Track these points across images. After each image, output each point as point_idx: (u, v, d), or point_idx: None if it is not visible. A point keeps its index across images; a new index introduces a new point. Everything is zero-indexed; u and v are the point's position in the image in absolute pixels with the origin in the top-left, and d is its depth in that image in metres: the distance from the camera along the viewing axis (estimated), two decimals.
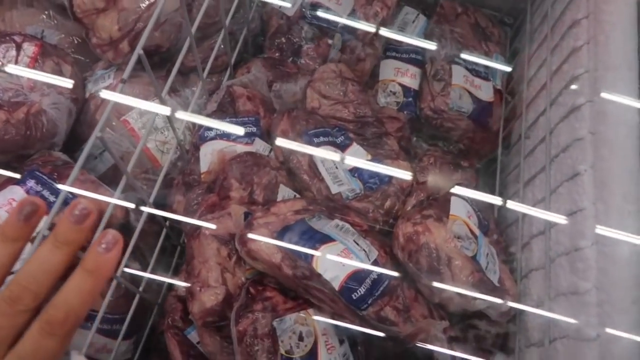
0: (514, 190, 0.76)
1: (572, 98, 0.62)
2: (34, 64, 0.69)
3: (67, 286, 0.31)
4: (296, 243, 0.54)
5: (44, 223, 0.41)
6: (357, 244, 0.57)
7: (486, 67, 0.85)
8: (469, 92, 0.82)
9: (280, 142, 0.67)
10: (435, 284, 0.55)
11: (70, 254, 0.32)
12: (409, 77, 0.86)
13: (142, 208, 0.56)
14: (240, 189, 0.62)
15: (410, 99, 0.84)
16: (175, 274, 0.71)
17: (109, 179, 0.71)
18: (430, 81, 0.83)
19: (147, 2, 0.68)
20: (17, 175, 0.63)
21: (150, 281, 0.64)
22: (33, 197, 0.32)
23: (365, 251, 0.57)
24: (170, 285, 0.66)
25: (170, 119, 0.59)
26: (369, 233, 0.61)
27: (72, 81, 0.70)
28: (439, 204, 0.63)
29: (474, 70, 0.84)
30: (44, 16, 0.79)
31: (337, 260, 0.53)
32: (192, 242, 0.58)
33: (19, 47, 0.69)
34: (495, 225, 0.69)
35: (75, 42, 0.80)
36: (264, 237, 0.54)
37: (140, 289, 0.61)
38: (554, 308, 0.55)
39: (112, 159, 0.65)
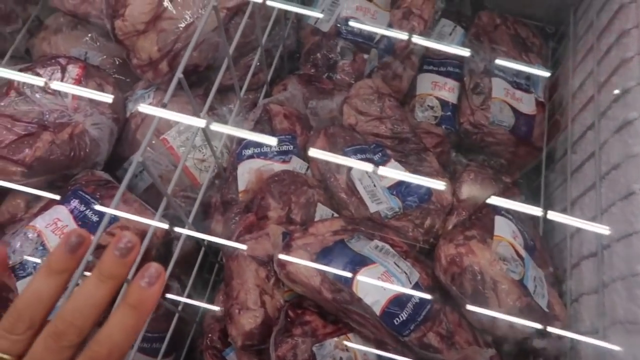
0: (560, 208, 0.73)
1: (624, 112, 0.59)
2: (78, 85, 0.71)
3: (111, 322, 0.31)
4: (335, 266, 0.53)
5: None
6: (398, 266, 0.55)
7: (527, 78, 0.83)
8: (510, 105, 0.79)
9: (313, 152, 0.66)
10: (481, 309, 0.53)
11: (115, 288, 0.32)
12: (447, 90, 0.84)
13: (180, 230, 0.57)
14: (278, 209, 0.61)
15: (449, 113, 0.82)
16: (213, 291, 0.71)
17: (149, 195, 0.72)
18: (470, 95, 0.80)
19: (184, 24, 0.69)
20: (61, 196, 0.64)
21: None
22: (79, 229, 0.32)
23: (406, 273, 0.55)
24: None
25: (207, 136, 0.59)
26: (409, 254, 0.59)
27: (113, 99, 0.72)
28: (483, 223, 0.60)
29: (515, 83, 0.81)
30: (87, 38, 0.81)
31: (378, 284, 0.52)
32: (231, 262, 0.58)
33: (63, 70, 0.71)
34: (540, 245, 0.66)
35: (117, 62, 0.82)
36: (303, 260, 0.53)
37: (179, 308, 0.62)
38: (609, 337, 0.51)
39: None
